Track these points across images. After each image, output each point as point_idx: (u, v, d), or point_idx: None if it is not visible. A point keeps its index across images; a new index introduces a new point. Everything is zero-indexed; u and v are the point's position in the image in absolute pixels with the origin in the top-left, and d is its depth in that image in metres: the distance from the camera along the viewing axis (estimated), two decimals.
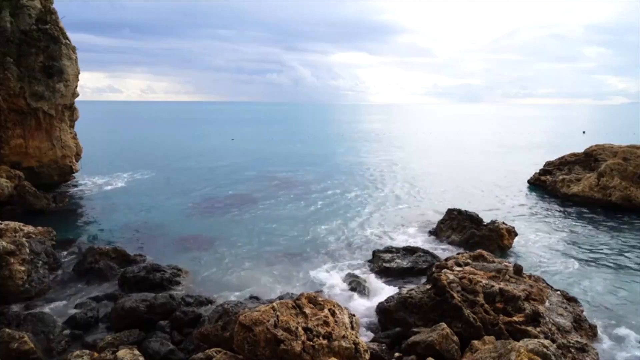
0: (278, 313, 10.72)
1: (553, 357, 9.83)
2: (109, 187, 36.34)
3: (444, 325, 12.47)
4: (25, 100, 30.22)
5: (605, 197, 30.19)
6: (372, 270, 19.17)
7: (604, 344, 13.67)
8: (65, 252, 20.98)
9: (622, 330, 14.46)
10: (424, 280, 17.51)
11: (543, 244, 23.15)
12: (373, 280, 18.41)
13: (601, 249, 22.23)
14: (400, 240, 23.71)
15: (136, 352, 11.58)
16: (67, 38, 32.74)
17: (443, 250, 21.87)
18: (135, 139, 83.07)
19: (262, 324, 10.38)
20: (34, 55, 30.45)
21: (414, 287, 15.32)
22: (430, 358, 11.42)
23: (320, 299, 11.75)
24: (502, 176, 42.82)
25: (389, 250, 20.53)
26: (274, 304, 11.17)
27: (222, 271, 19.45)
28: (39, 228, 19.66)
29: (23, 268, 16.43)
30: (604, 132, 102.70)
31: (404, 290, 15.16)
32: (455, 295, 13.46)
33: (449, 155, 59.80)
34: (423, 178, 41.89)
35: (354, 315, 12.06)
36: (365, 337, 13.43)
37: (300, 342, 10.23)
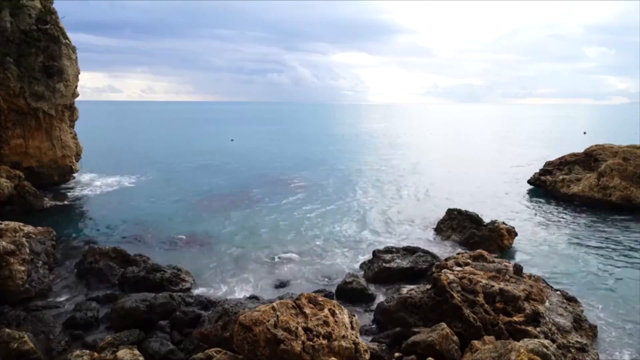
0: (278, 313, 10.72)
1: (553, 357, 9.82)
2: (108, 187, 36.36)
3: (444, 325, 12.46)
4: (25, 100, 30.21)
5: (605, 197, 30.18)
6: (372, 270, 19.15)
7: (604, 344, 13.67)
8: (65, 252, 20.98)
9: (622, 331, 14.47)
10: (424, 280, 17.50)
11: (543, 244, 23.15)
12: (373, 281, 18.42)
13: (601, 249, 22.23)
14: (400, 240, 23.71)
15: (136, 352, 11.59)
16: (67, 38, 32.73)
17: (443, 250, 21.87)
18: (135, 139, 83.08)
19: (262, 324, 10.38)
20: (34, 55, 30.44)
21: (414, 287, 15.32)
22: (430, 358, 11.41)
23: (320, 298, 11.74)
24: (502, 176, 42.84)
25: (389, 250, 20.52)
26: (274, 304, 11.17)
27: (222, 271, 19.46)
28: (39, 228, 19.66)
29: (23, 268, 16.43)
30: (604, 132, 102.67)
31: (404, 290, 15.15)
32: (455, 295, 13.46)
33: (449, 156, 59.81)
34: (423, 178, 41.91)
35: (354, 315, 12.05)
36: (365, 337, 13.43)
37: (300, 342, 10.22)
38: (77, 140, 35.55)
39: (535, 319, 12.90)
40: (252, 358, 10.24)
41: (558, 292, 15.30)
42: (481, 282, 14.05)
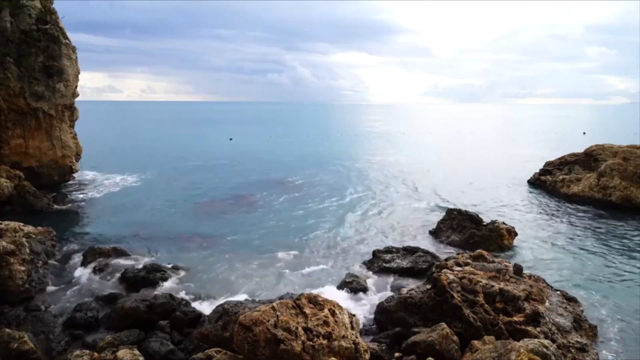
0: (278, 313, 10.72)
1: (553, 357, 9.83)
2: (108, 187, 36.34)
3: (444, 325, 12.47)
4: (25, 100, 30.20)
5: (605, 197, 30.19)
6: (372, 270, 19.17)
7: (604, 344, 13.67)
8: (65, 253, 20.97)
9: (622, 331, 14.47)
10: (424, 280, 17.51)
11: (543, 244, 23.14)
12: (373, 280, 18.43)
13: (601, 249, 22.22)
14: (400, 240, 23.71)
15: (136, 352, 11.60)
16: (67, 38, 32.71)
17: (443, 250, 21.88)
18: (135, 139, 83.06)
19: (262, 324, 10.38)
20: (34, 55, 30.42)
21: (414, 287, 15.33)
22: (430, 358, 11.42)
23: (320, 299, 11.75)
24: (502, 176, 42.82)
25: (389, 250, 20.54)
26: (274, 304, 11.17)
27: (222, 271, 19.44)
28: (39, 228, 19.65)
29: (23, 268, 16.43)
30: (604, 132, 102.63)
31: (404, 290, 15.16)
32: (455, 295, 13.46)
33: (449, 155, 59.81)
34: (423, 178, 41.89)
35: (354, 315, 12.06)
36: (365, 337, 13.43)
37: (300, 342, 10.22)
38: (77, 140, 35.54)
39: (535, 319, 12.90)
40: (252, 358, 10.25)
41: (558, 292, 15.31)
42: (481, 282, 14.06)
